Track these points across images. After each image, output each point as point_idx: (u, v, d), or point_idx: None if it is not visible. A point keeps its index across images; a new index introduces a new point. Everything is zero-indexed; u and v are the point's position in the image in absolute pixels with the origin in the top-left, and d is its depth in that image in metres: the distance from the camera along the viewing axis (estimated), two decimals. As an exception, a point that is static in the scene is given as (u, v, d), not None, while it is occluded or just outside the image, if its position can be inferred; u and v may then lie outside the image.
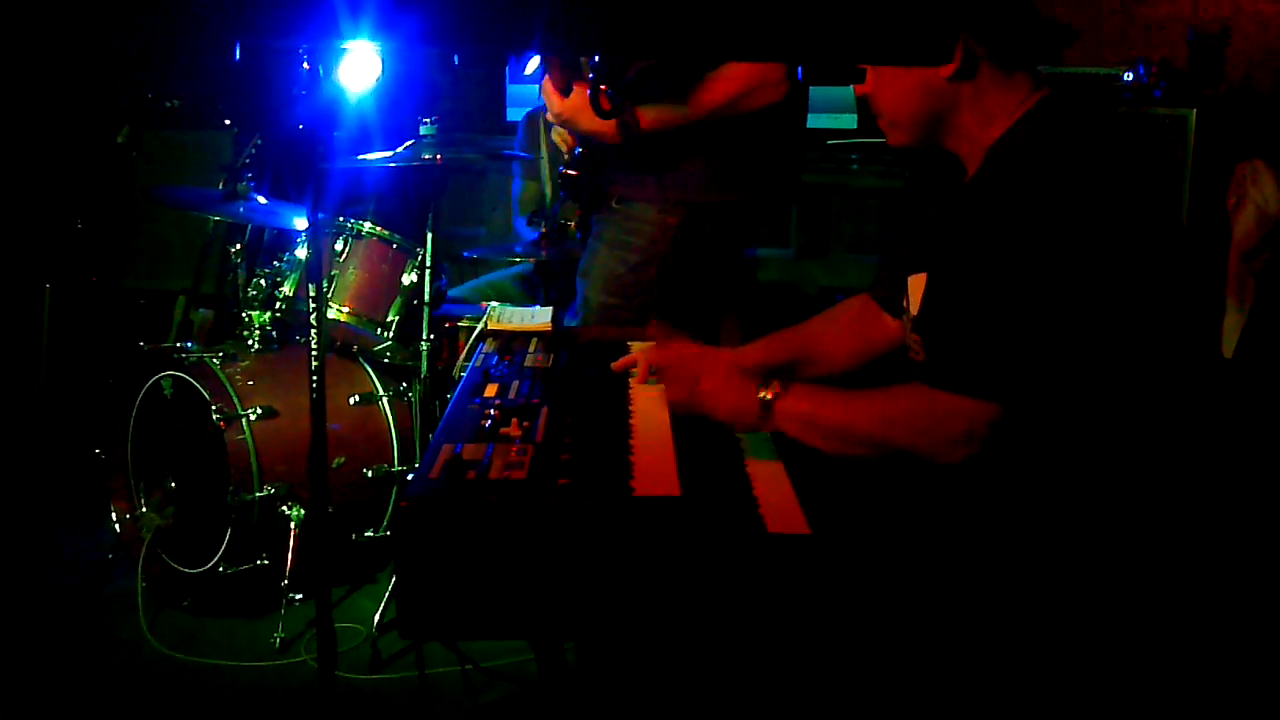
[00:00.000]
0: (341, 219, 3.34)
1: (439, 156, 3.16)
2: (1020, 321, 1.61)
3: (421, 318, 3.23)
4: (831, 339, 2.18)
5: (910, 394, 1.69)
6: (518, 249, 3.73)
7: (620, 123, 2.57)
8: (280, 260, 3.40)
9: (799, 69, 2.54)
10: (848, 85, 1.90)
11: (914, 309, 1.88)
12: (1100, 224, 1.61)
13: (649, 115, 2.60)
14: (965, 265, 1.69)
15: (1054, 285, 1.59)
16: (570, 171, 2.80)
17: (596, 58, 2.45)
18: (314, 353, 2.00)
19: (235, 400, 3.11)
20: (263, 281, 3.39)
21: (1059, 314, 1.60)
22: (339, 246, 3.31)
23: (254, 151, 3.59)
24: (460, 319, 3.37)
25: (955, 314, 1.70)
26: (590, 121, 2.56)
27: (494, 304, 2.57)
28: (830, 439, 1.72)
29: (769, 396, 1.74)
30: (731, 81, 2.59)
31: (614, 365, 2.11)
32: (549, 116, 2.74)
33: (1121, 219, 1.62)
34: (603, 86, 2.46)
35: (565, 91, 2.61)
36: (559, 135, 2.91)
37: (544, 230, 3.57)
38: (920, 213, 2.02)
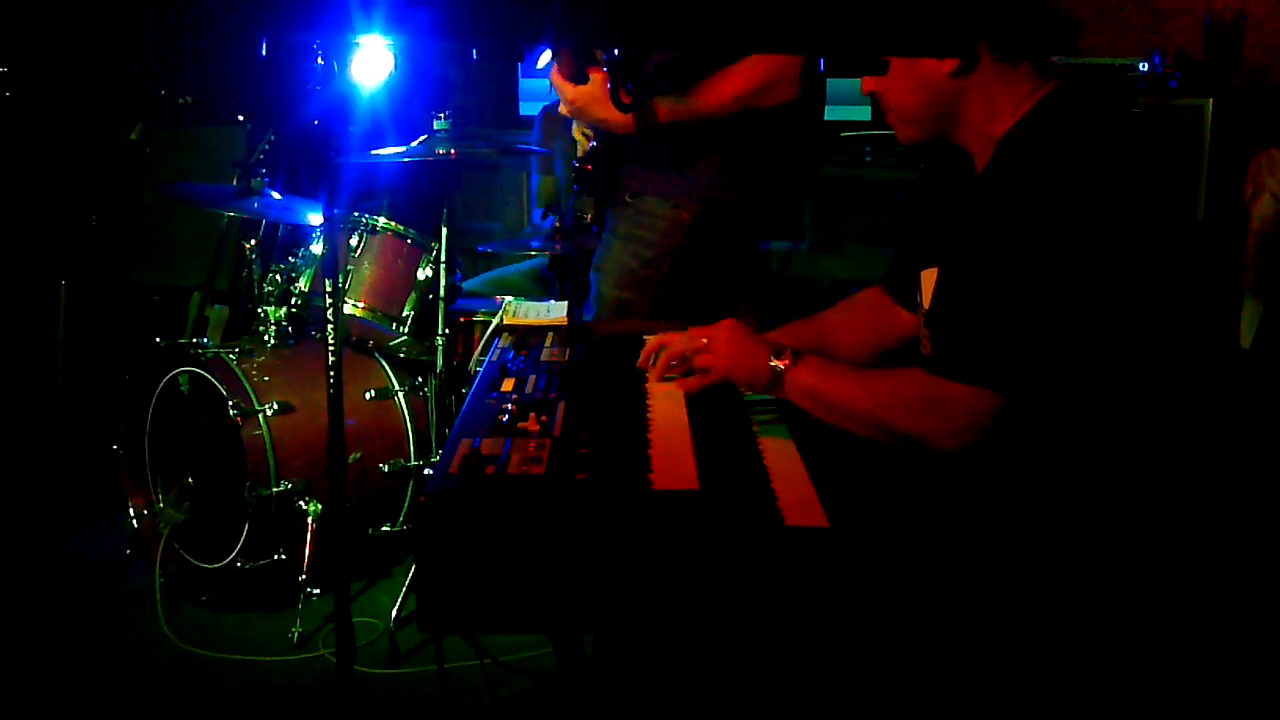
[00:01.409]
0: (356, 214, 3.34)
1: (453, 151, 3.16)
2: (1026, 313, 1.61)
3: (437, 312, 3.23)
4: (847, 330, 2.18)
5: (915, 378, 1.72)
6: (533, 244, 3.73)
7: (638, 115, 2.56)
8: (295, 256, 3.40)
9: (820, 61, 2.52)
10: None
11: (926, 303, 1.89)
12: (1105, 216, 1.60)
13: (665, 108, 2.60)
14: (974, 258, 1.69)
15: (1059, 278, 1.59)
16: (585, 166, 2.79)
17: (615, 51, 2.44)
18: (331, 348, 2.00)
19: (252, 396, 3.11)
20: (278, 277, 3.40)
21: (1064, 306, 1.59)
22: (353, 242, 3.31)
23: (267, 147, 3.59)
24: (475, 314, 3.36)
25: (963, 305, 1.70)
26: (604, 110, 2.55)
27: (509, 299, 2.57)
28: (833, 413, 1.78)
29: (781, 366, 1.81)
30: (746, 77, 2.57)
31: (639, 363, 2.09)
32: (561, 108, 2.73)
33: (1127, 211, 1.61)
34: (622, 82, 2.45)
35: (578, 79, 2.60)
36: (579, 133, 2.90)
37: (558, 224, 3.57)
38: (934, 207, 2.02)
